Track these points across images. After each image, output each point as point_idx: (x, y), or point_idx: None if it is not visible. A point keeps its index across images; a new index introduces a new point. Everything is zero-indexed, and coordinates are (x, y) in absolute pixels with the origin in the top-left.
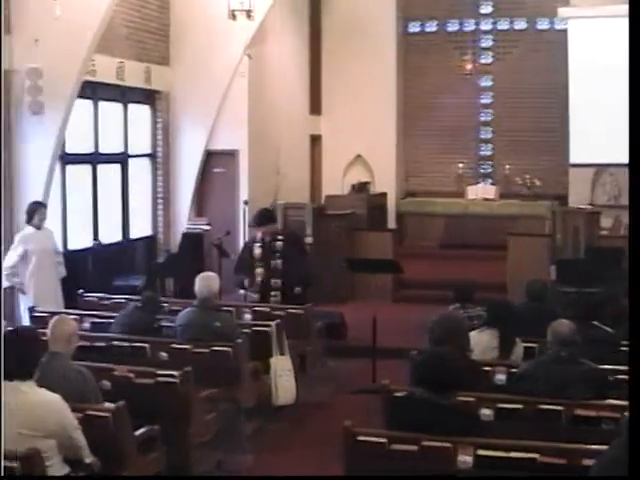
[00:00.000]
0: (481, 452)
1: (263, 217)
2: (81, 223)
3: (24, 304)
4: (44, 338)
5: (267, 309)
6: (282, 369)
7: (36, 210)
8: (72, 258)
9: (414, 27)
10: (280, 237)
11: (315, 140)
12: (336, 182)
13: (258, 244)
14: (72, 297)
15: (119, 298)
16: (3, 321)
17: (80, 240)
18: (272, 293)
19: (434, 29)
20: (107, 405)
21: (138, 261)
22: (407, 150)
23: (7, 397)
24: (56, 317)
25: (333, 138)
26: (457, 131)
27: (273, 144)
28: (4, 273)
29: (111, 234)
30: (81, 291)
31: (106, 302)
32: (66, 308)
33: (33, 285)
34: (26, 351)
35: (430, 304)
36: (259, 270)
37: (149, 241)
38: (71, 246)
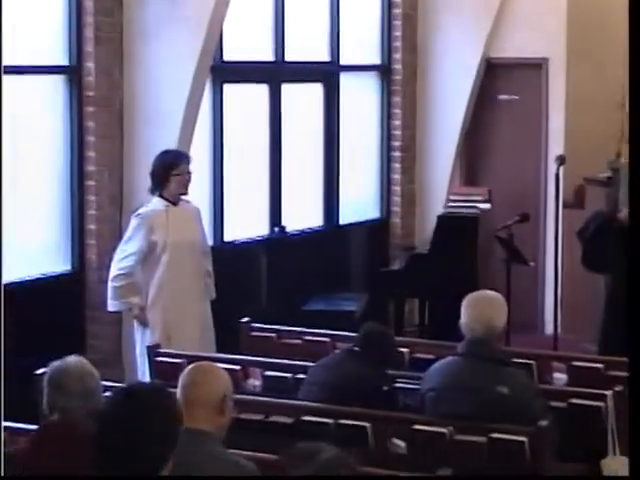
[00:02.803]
0: None
1: None
2: (249, 193)
3: (142, 340)
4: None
5: (599, 365)
6: None
7: (172, 167)
8: (231, 258)
9: None
10: None
11: None
12: None
13: None
14: (229, 329)
15: (315, 334)
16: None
17: (246, 225)
18: None
19: None
20: None
21: (353, 266)
22: None
23: None
24: (195, 365)
25: None
26: None
27: (613, 52)
28: (111, 285)
29: (304, 215)
30: (247, 319)
31: (291, 340)
32: (219, 350)
33: (162, 306)
34: (146, 430)
35: None
36: None
37: (375, 229)
38: (229, 236)
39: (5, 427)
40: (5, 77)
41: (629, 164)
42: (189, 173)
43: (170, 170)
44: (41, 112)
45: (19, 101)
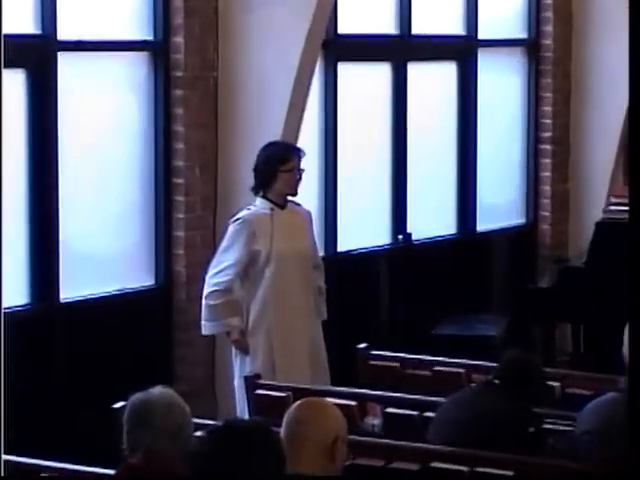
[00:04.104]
0: None
1: None
2: (367, 194)
3: (240, 370)
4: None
5: None
6: None
7: (280, 162)
8: (345, 272)
9: None
10: None
11: None
12: None
13: None
14: (344, 357)
15: (447, 363)
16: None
17: (364, 232)
18: None
19: None
20: None
21: (493, 282)
22: None
23: None
24: (304, 401)
25: None
26: None
27: None
28: (205, 303)
29: (433, 221)
30: (364, 345)
31: (418, 371)
32: (331, 381)
33: (265, 329)
34: (245, 475)
35: None
36: None
37: (519, 237)
38: (344, 245)
39: (77, 471)
40: (79, 54)
41: (629, 163)
42: (300, 170)
43: (278, 165)
44: (120, 95)
45: (95, 83)
